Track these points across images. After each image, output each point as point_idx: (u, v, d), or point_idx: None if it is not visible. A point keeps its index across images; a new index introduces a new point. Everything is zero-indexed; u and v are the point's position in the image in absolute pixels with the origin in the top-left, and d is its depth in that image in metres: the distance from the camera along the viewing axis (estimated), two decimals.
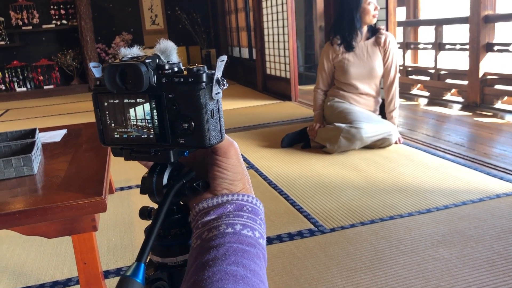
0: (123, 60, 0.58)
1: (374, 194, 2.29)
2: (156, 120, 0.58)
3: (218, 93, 0.57)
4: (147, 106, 0.58)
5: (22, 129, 2.06)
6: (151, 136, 0.59)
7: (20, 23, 7.34)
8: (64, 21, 7.48)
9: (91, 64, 0.61)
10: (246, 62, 6.90)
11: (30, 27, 7.35)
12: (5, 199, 1.38)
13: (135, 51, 0.62)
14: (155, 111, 0.57)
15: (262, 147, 3.29)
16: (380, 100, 3.26)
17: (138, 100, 0.58)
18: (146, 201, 2.36)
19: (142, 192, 0.64)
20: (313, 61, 6.82)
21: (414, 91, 5.28)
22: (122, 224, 2.13)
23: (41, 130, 2.33)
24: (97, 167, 1.63)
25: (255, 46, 6.12)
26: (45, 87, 7.45)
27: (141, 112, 0.58)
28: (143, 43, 7.89)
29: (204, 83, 0.56)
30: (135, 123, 0.59)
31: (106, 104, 0.60)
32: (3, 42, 7.22)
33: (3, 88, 7.36)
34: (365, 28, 3.13)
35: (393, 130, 3.06)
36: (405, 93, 5.19)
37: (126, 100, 0.58)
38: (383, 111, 3.22)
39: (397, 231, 1.88)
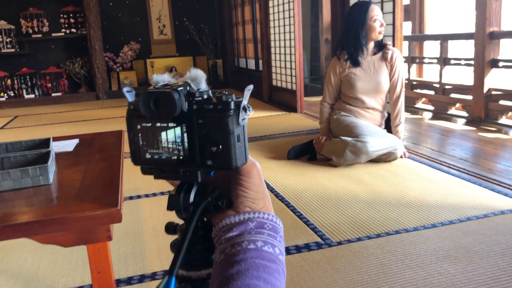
0: (156, 88, 0.63)
1: (379, 208, 2.33)
2: (186, 143, 0.62)
3: (244, 119, 0.62)
4: (178, 130, 0.62)
5: (35, 138, 2.11)
6: (181, 157, 0.63)
7: (30, 31, 7.44)
8: (73, 30, 7.58)
9: (125, 89, 0.66)
10: (252, 73, 6.97)
11: (40, 35, 7.46)
12: (23, 208, 1.42)
13: (166, 78, 0.67)
14: (185, 135, 0.62)
15: (269, 159, 3.34)
16: (386, 115, 3.30)
17: (170, 124, 0.62)
18: (155, 210, 2.41)
19: (169, 209, 0.68)
20: (319, 73, 6.88)
21: (419, 105, 5.32)
22: (132, 233, 2.17)
23: (54, 139, 2.38)
24: (111, 177, 1.67)
25: (262, 57, 6.19)
26: (53, 94, 7.53)
27: (172, 135, 0.63)
28: (150, 53, 7.98)
29: (232, 111, 0.60)
30: (166, 145, 0.64)
31: (139, 127, 0.65)
32: (13, 50, 7.31)
33: (12, 94, 7.44)
34: (371, 44, 3.18)
35: (399, 144, 3.10)
36: (410, 106, 5.23)
37: (158, 124, 0.63)
38: (388, 125, 3.26)
39: (403, 246, 1.91)
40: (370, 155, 3.01)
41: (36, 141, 2.11)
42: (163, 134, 0.63)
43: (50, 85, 7.59)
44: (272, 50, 5.86)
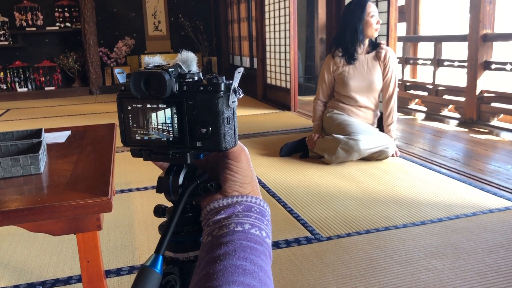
0: (147, 68, 0.63)
1: (370, 205, 2.34)
2: (176, 124, 0.63)
3: (234, 101, 0.63)
4: (168, 111, 0.62)
5: (26, 129, 2.10)
6: (171, 139, 0.64)
7: (24, 24, 7.39)
8: (68, 24, 7.55)
9: (116, 71, 0.66)
10: (246, 71, 6.97)
11: (34, 29, 7.41)
12: (13, 196, 1.42)
13: (158, 60, 0.67)
14: (175, 116, 0.62)
15: (261, 155, 3.34)
16: (379, 114, 3.32)
17: (160, 105, 0.63)
18: (146, 203, 2.41)
19: (158, 191, 0.68)
20: (313, 72, 6.89)
21: (412, 105, 5.35)
22: (122, 225, 2.17)
23: (45, 130, 2.37)
24: (102, 168, 1.67)
25: (257, 55, 6.19)
26: (46, 88, 7.49)
27: (162, 116, 0.63)
28: (145, 49, 7.96)
29: (222, 92, 0.61)
30: (156, 126, 0.64)
31: (129, 108, 0.65)
32: (6, 43, 7.26)
33: (5, 88, 7.39)
34: (366, 42, 3.20)
35: (390, 143, 3.12)
36: (403, 107, 5.26)
37: (148, 105, 0.63)
38: (381, 124, 3.28)
39: (392, 242, 1.92)
40: (362, 153, 3.02)
41: (27, 132, 2.10)
42: (153, 115, 0.63)
43: (43, 79, 7.55)
44: (267, 48, 5.86)
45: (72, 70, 7.54)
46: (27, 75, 7.49)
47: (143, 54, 7.82)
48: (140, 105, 0.64)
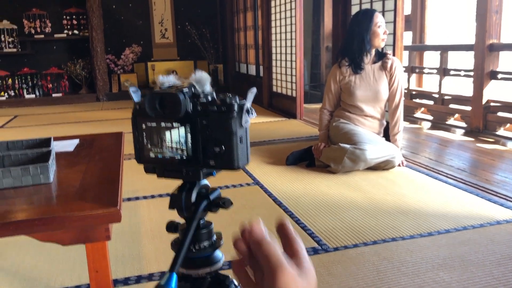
0: (162, 88, 0.65)
1: (376, 215, 2.34)
2: (190, 143, 0.64)
3: (247, 121, 0.64)
4: (182, 130, 0.64)
5: (36, 137, 2.12)
6: (184, 157, 0.65)
7: (33, 31, 7.47)
8: (75, 31, 7.61)
9: (131, 89, 0.68)
10: (252, 78, 6.99)
11: (42, 36, 7.48)
12: (24, 206, 1.44)
13: (172, 79, 0.68)
14: (189, 135, 0.63)
15: (267, 164, 3.35)
16: (385, 123, 3.32)
17: (174, 124, 0.64)
18: (153, 212, 2.42)
19: (170, 208, 0.69)
20: (319, 80, 6.90)
21: (418, 114, 5.34)
22: (129, 234, 2.18)
23: (54, 139, 2.39)
24: (111, 178, 1.68)
25: (263, 63, 6.22)
26: (53, 95, 7.55)
27: (176, 135, 0.64)
28: (152, 56, 8.01)
29: (235, 112, 0.62)
30: (170, 144, 0.65)
31: (144, 126, 0.66)
32: (14, 50, 7.33)
33: (13, 94, 7.45)
34: (372, 52, 3.21)
35: (397, 153, 3.12)
36: (408, 116, 5.25)
37: (163, 124, 0.65)
38: (387, 134, 3.28)
39: (399, 253, 1.92)
40: (368, 162, 3.02)
41: (36, 140, 2.12)
42: (168, 133, 0.64)
43: (50, 85, 7.61)
44: (273, 56, 5.89)
45: (79, 77, 7.59)
46: (34, 81, 7.55)
47: (150, 61, 7.88)
48: (154, 124, 0.65)
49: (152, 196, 2.71)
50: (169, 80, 0.68)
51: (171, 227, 0.72)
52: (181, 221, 0.71)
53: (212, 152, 0.63)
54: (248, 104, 0.64)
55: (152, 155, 0.67)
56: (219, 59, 8.23)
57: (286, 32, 5.40)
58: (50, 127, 5.33)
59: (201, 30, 8.01)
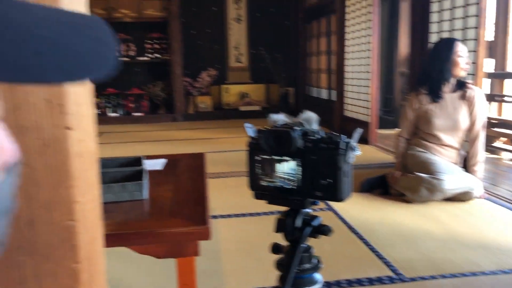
0: (276, 126, 0.74)
1: (455, 248, 2.29)
2: (299, 175, 0.72)
3: (352, 157, 0.71)
4: (293, 163, 0.72)
5: (124, 156, 2.31)
6: (293, 187, 0.73)
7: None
8: (157, 55, 8.10)
9: (247, 125, 0.77)
10: (324, 102, 7.04)
11: (127, 59, 8.02)
12: (123, 220, 1.59)
13: (282, 118, 0.78)
14: (299, 168, 0.72)
15: None
16: (463, 153, 3.24)
17: (286, 158, 0.73)
18: (232, 231, 2.51)
19: (277, 231, 0.78)
20: (392, 105, 6.81)
21: (498, 144, 5.12)
22: (209, 251, 2.29)
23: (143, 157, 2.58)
24: (199, 196, 1.80)
25: (336, 87, 6.26)
26: (134, 114, 8.03)
27: (287, 167, 0.73)
28: (226, 79, 8.31)
29: (342, 150, 0.70)
30: (281, 175, 0.74)
31: (258, 158, 0.75)
32: None
33: (98, 113, 8.03)
34: (452, 81, 3.16)
35: (476, 184, 3.02)
36: (488, 145, 5.04)
37: (275, 157, 0.74)
38: (466, 164, 3.19)
39: None
40: (446, 193, 2.96)
41: (129, 159, 2.32)
42: (279, 165, 0.73)
43: (132, 105, 8.11)
44: (346, 81, 5.92)
45: (158, 98, 8.03)
46: (118, 101, 8.08)
47: (224, 84, 8.19)
48: (268, 157, 0.74)
49: (229, 216, 2.82)
50: (280, 118, 0.78)
51: (276, 248, 0.81)
52: (281, 241, 0.79)
53: (319, 185, 0.71)
54: (353, 142, 0.72)
55: (264, 183, 0.76)
56: (290, 82, 8.37)
57: (360, 58, 5.43)
58: (133, 144, 5.68)
59: (274, 54, 8.22)
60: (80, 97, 0.87)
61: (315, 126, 0.74)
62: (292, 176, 0.74)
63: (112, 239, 1.47)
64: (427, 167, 3.04)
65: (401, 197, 3.11)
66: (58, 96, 0.80)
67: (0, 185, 0.29)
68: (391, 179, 3.21)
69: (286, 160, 0.74)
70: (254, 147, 0.77)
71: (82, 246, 0.85)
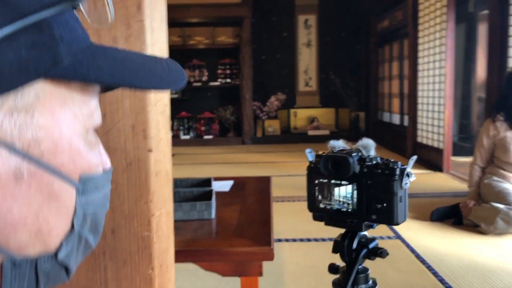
0: (334, 152, 0.77)
1: None
2: (355, 199, 0.75)
3: (407, 183, 0.73)
4: (349, 187, 0.75)
5: (196, 177, 2.42)
6: (349, 210, 0.76)
7: (192, 79, 8.41)
8: (228, 80, 8.37)
9: (307, 150, 0.82)
10: (395, 128, 6.89)
11: (200, 84, 8.37)
12: (192, 237, 1.67)
13: (341, 143, 0.81)
14: (355, 192, 0.75)
15: (410, 218, 3.27)
16: None
17: (343, 182, 0.76)
18: (295, 255, 2.53)
19: (334, 252, 0.81)
20: (468, 132, 6.52)
21: None
22: (272, 274, 2.32)
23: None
24: (264, 218, 1.85)
25: (408, 113, 6.11)
26: (205, 137, 8.31)
27: (344, 191, 0.76)
28: (294, 103, 8.39)
29: (397, 176, 0.72)
30: (338, 198, 0.77)
31: (316, 181, 0.79)
32: (177, 95, 8.31)
33: (172, 135, 8.41)
34: None
35: None
36: None
37: (333, 181, 0.77)
38: None
39: None
40: None
41: (199, 179, 2.42)
42: (337, 189, 0.76)
43: (203, 128, 8.40)
44: (419, 106, 5.76)
45: (228, 121, 8.26)
46: (190, 124, 8.42)
47: (292, 108, 8.27)
48: (326, 180, 0.77)
49: (294, 240, 2.83)
50: (339, 144, 0.81)
51: (333, 268, 0.83)
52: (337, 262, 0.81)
53: (375, 208, 0.74)
54: (408, 169, 0.74)
55: (321, 205, 0.80)
56: (361, 107, 8.28)
57: (434, 83, 5.28)
58: (203, 166, 5.88)
59: (345, 78, 8.19)
60: (159, 123, 0.96)
61: (372, 152, 0.77)
62: (348, 200, 0.77)
63: (182, 255, 1.55)
64: (504, 198, 2.88)
65: (475, 228, 2.96)
66: (142, 122, 0.90)
67: (104, 186, 0.40)
68: (464, 208, 3.07)
69: (344, 185, 0.77)
70: (313, 171, 0.81)
71: (156, 255, 0.93)
